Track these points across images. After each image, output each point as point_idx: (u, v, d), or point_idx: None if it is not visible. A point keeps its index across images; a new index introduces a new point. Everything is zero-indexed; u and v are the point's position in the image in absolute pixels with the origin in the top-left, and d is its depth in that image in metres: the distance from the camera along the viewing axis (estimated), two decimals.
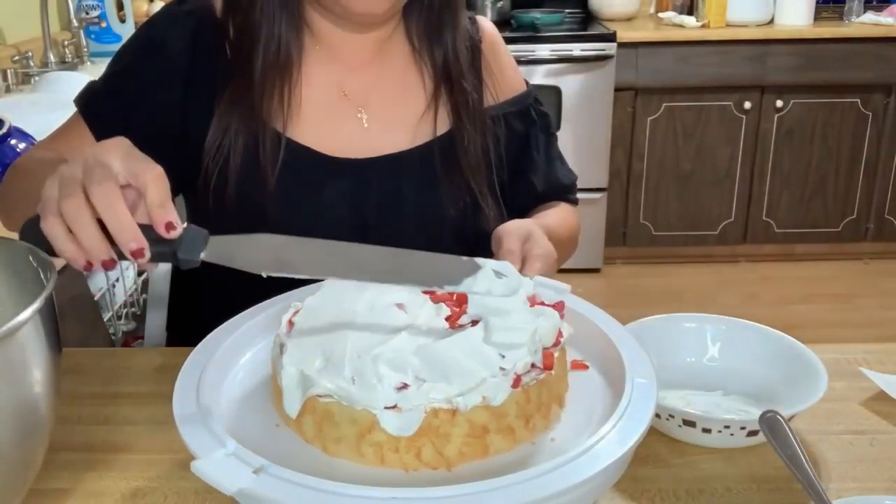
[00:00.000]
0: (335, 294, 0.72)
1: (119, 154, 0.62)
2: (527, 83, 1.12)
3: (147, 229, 0.60)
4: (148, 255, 0.60)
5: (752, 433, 0.69)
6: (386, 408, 0.59)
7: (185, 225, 0.62)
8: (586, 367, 0.71)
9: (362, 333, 0.65)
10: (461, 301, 0.69)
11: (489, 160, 1.02)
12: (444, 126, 1.00)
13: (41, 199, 0.62)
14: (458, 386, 0.59)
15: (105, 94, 0.97)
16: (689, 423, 0.70)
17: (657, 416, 0.71)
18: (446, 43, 1.00)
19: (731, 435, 0.69)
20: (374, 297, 0.69)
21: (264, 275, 0.63)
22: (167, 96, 0.94)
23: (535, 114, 1.10)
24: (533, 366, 0.62)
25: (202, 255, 0.62)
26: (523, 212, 1.09)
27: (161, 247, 0.61)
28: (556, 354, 0.65)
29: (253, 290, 0.81)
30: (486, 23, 1.10)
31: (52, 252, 0.62)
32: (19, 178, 0.92)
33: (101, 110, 0.96)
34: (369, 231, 0.97)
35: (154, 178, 0.61)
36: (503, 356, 0.61)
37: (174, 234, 0.61)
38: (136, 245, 0.59)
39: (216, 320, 0.76)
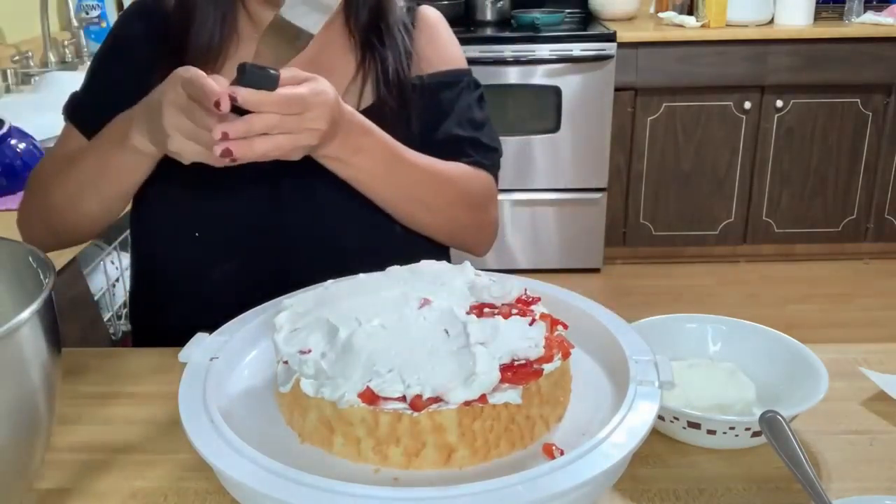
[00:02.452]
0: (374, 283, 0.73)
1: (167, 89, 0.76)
2: (470, 72, 1.09)
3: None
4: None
5: (757, 433, 0.69)
6: (281, 361, 0.65)
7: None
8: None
9: (357, 304, 0.68)
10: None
11: (410, 133, 0.99)
12: (368, 100, 1.00)
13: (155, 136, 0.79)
14: (329, 374, 0.61)
15: (86, 99, 1.02)
16: (694, 426, 0.69)
17: (661, 417, 0.71)
18: (373, 18, 1.01)
19: (736, 436, 0.69)
20: (411, 289, 0.70)
21: None
22: (133, 89, 0.93)
23: (469, 85, 1.07)
24: (402, 398, 0.59)
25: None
26: None
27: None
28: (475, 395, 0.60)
29: (255, 289, 0.82)
30: (429, 11, 1.10)
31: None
32: (50, 185, 0.96)
33: (85, 116, 1.00)
34: (282, 208, 0.96)
35: (177, 85, 0.75)
36: (389, 370, 0.60)
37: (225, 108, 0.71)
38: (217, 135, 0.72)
39: (216, 320, 0.76)
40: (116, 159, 0.88)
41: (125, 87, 0.95)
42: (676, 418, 0.70)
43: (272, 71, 0.75)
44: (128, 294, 1.73)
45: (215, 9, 0.97)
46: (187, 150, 0.76)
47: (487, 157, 1.04)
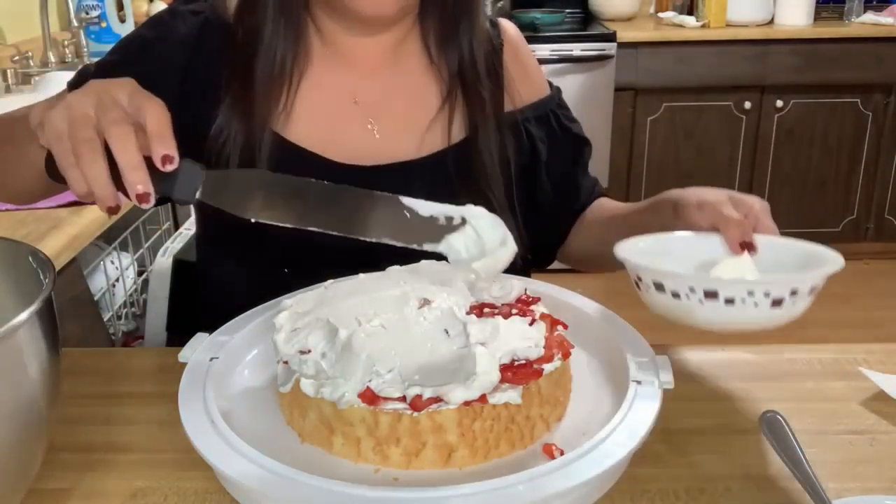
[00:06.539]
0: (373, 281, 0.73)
1: (126, 90, 0.64)
2: (551, 86, 1.08)
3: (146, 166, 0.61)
4: (153, 201, 0.61)
5: (777, 303, 0.66)
6: (281, 361, 0.66)
7: (182, 160, 0.63)
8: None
9: (357, 304, 0.67)
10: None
11: (508, 171, 0.97)
12: (459, 134, 0.96)
13: (44, 127, 0.63)
14: (329, 374, 0.61)
15: (98, 75, 0.92)
16: (711, 295, 0.66)
17: (675, 295, 0.68)
18: (461, 46, 0.95)
19: (756, 305, 0.66)
20: (411, 289, 0.69)
21: (252, 220, 0.65)
22: (162, 91, 0.93)
23: (557, 120, 1.05)
24: (402, 398, 0.59)
25: (197, 195, 0.64)
26: (565, 225, 1.10)
27: (159, 184, 0.62)
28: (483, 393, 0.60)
29: (254, 289, 0.82)
30: (508, 25, 1.06)
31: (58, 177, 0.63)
32: None
33: None
34: (374, 242, 0.94)
35: (154, 110, 0.62)
36: (389, 370, 0.60)
37: (170, 168, 0.61)
38: (142, 189, 0.60)
39: (216, 320, 0.76)
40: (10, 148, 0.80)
41: (153, 85, 0.92)
42: (693, 289, 0.67)
43: None
44: (139, 296, 1.73)
45: (285, 26, 0.90)
46: (77, 180, 0.62)
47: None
